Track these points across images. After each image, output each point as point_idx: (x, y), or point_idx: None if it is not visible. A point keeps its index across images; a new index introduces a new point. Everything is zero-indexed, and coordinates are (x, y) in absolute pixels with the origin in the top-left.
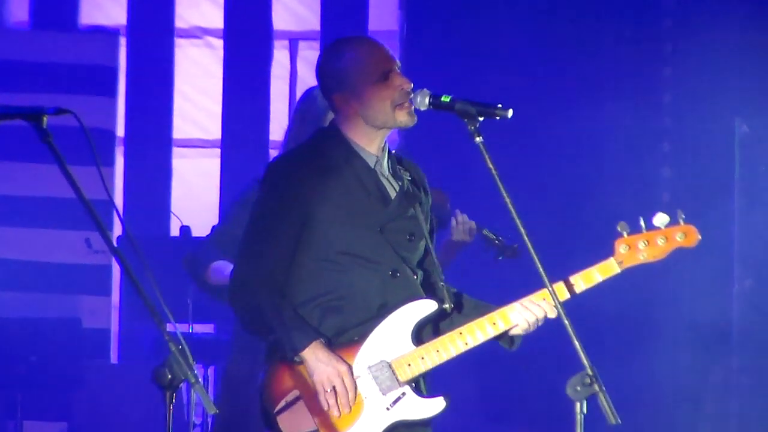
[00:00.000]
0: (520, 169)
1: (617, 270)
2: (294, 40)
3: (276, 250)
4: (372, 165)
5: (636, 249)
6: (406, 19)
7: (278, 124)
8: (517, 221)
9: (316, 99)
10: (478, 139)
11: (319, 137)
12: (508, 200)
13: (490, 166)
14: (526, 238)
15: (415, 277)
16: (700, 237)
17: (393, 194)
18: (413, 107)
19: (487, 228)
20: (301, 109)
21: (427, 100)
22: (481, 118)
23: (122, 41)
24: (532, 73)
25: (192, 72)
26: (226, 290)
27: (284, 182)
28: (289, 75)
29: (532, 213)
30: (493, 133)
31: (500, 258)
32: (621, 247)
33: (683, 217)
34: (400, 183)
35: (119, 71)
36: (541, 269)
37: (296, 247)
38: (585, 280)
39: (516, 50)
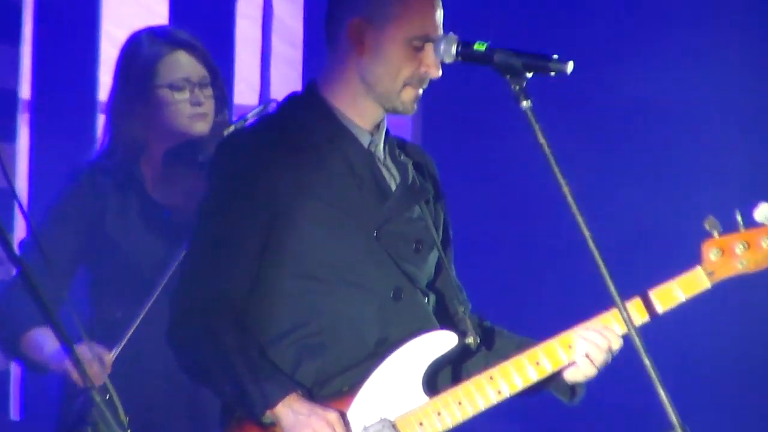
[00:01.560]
0: (579, 145)
1: (707, 284)
2: None
3: (232, 265)
4: (366, 145)
5: (731, 254)
6: None
7: (247, 85)
8: (578, 217)
9: (142, 44)
10: (525, 104)
11: (292, 105)
12: (565, 188)
13: (542, 141)
14: (589, 239)
15: (426, 299)
16: None
17: (393, 186)
18: (420, 93)
19: None
20: (124, 63)
21: (454, 48)
22: (529, 75)
23: None
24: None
25: (125, 8)
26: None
27: (243, 168)
28: (262, 14)
29: (595, 206)
30: (542, 98)
31: None
32: (711, 252)
33: None
34: (402, 172)
35: (23, 9)
36: (609, 281)
37: (260, 260)
38: (662, 299)
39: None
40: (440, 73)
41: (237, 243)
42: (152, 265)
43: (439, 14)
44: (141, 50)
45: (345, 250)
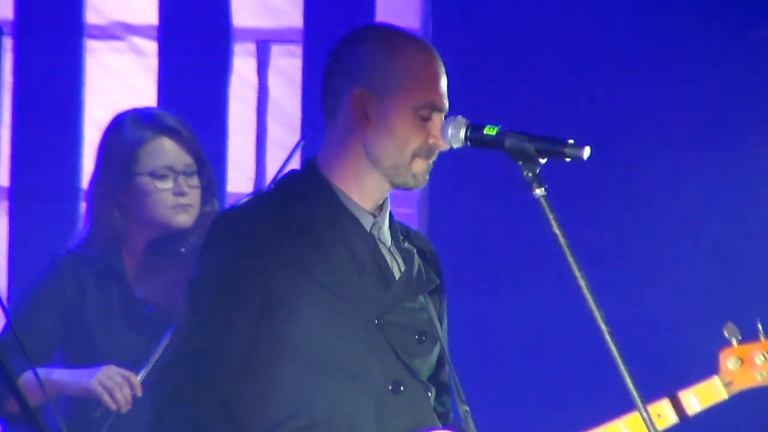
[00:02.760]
0: (601, 233)
1: (724, 395)
2: (264, 43)
3: (221, 347)
4: (368, 228)
5: (751, 364)
6: (432, 16)
7: (241, 172)
8: (596, 312)
9: (124, 128)
10: (538, 192)
11: (290, 183)
12: (582, 282)
13: (557, 231)
14: (607, 334)
15: (428, 394)
16: None
17: (397, 273)
18: (431, 165)
19: None
20: (105, 147)
21: (462, 132)
22: (543, 160)
23: (6, 42)
24: (611, 92)
25: (109, 89)
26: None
27: (237, 248)
28: (257, 94)
29: (613, 298)
30: (556, 179)
31: None
32: (729, 361)
33: None
34: (407, 259)
35: (2, 90)
36: (630, 382)
37: (251, 345)
38: (676, 407)
39: (586, 61)
40: (446, 147)
41: (226, 327)
42: (131, 363)
43: (444, 82)
44: (123, 134)
45: (344, 339)
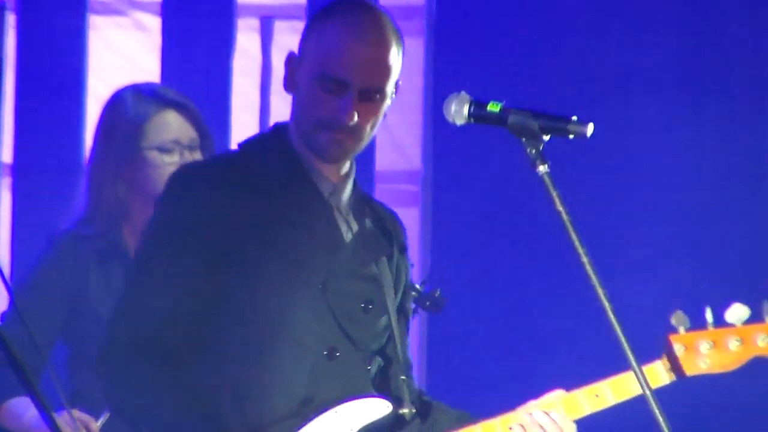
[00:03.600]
0: (605, 211)
1: (665, 380)
2: (267, 19)
3: (164, 301)
4: (326, 195)
5: (696, 352)
6: None
7: None
8: (599, 289)
9: (126, 103)
10: (541, 168)
11: (255, 145)
12: (585, 258)
13: (560, 208)
14: (610, 311)
15: (367, 364)
16: None
17: (349, 239)
18: (343, 139)
19: None
20: (106, 122)
21: (466, 108)
22: (546, 137)
23: (9, 18)
24: (616, 69)
25: (113, 65)
26: None
27: (192, 202)
28: (260, 70)
29: (620, 279)
30: (561, 157)
31: (414, 314)
32: (675, 347)
33: None
34: (361, 227)
35: (4, 66)
36: (636, 369)
37: (197, 300)
38: (615, 389)
39: (597, 35)
40: (355, 119)
41: (172, 280)
42: None
43: (363, 57)
44: (126, 109)
45: (287, 302)
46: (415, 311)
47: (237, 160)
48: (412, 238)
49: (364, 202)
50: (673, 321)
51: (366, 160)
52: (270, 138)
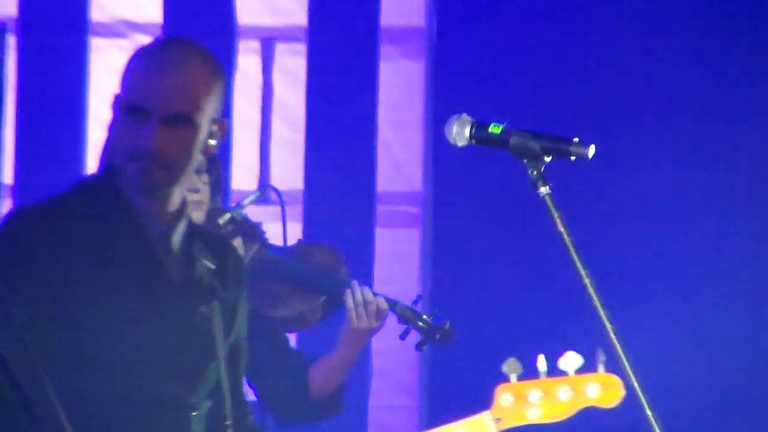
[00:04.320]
0: (607, 233)
1: (493, 430)
2: (268, 41)
3: None
4: (155, 238)
5: (525, 402)
6: (437, 13)
7: (245, 169)
8: (601, 311)
9: None
10: (543, 190)
11: (88, 183)
12: (587, 281)
13: (562, 229)
14: (612, 333)
15: (194, 412)
16: (623, 393)
17: (178, 284)
18: (150, 169)
19: (402, 303)
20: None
21: (467, 130)
22: (548, 159)
23: (10, 40)
24: (618, 91)
25: (114, 87)
26: None
27: (18, 243)
28: (261, 92)
29: (621, 299)
30: (563, 178)
31: (424, 347)
32: (503, 397)
33: (604, 359)
34: (192, 271)
35: (5, 88)
36: (640, 391)
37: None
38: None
39: (589, 60)
40: (156, 145)
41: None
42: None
43: (164, 83)
44: None
45: (112, 347)
46: (423, 344)
47: (68, 202)
48: (412, 259)
49: (201, 241)
50: (505, 369)
51: (367, 182)
52: (101, 179)
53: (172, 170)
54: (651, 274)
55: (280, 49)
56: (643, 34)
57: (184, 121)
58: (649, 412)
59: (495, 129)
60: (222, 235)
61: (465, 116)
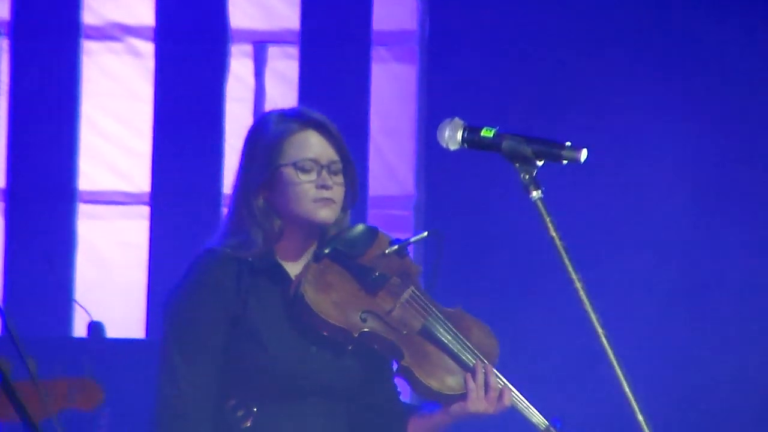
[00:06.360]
0: (600, 236)
1: None
2: (261, 44)
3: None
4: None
5: None
6: (430, 16)
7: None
8: (592, 315)
9: (269, 123)
10: (535, 194)
11: None
12: (578, 285)
13: (554, 234)
14: (603, 336)
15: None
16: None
17: None
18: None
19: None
20: (249, 143)
21: (459, 134)
22: (540, 163)
23: (3, 43)
24: (610, 95)
25: (107, 90)
26: None
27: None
28: (254, 95)
29: (614, 305)
30: (556, 182)
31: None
32: None
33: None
34: None
35: None
36: (625, 384)
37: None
38: None
39: (581, 65)
40: None
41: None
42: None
43: None
44: (268, 128)
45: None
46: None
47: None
48: None
49: None
50: None
51: (359, 186)
52: None
53: None
54: (643, 278)
55: (273, 53)
56: (634, 45)
57: None
58: (640, 417)
59: (487, 133)
60: None
61: (457, 120)
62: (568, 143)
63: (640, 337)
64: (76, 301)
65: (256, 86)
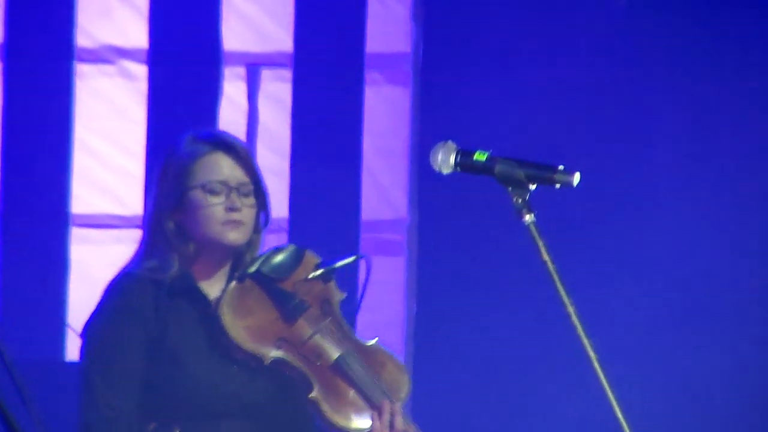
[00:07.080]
0: (592, 263)
1: None
2: (254, 67)
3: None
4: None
5: None
6: (423, 38)
7: None
8: (585, 339)
9: (180, 145)
10: (528, 218)
11: None
12: (571, 309)
13: (546, 258)
14: (598, 367)
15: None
16: None
17: None
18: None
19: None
20: (163, 165)
21: (452, 157)
22: (533, 186)
23: None
24: (607, 117)
25: (100, 113)
26: None
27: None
28: (247, 118)
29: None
30: (549, 203)
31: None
32: None
33: None
34: None
35: None
36: (615, 406)
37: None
38: None
39: (576, 86)
40: None
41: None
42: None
43: None
44: (179, 151)
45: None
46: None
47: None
48: (397, 287)
49: None
50: None
51: (352, 210)
52: None
53: None
54: (643, 278)
55: (266, 75)
56: (628, 67)
57: None
58: None
59: (480, 156)
60: None
61: (450, 143)
62: (560, 167)
63: (640, 338)
64: (68, 325)
65: (249, 109)
